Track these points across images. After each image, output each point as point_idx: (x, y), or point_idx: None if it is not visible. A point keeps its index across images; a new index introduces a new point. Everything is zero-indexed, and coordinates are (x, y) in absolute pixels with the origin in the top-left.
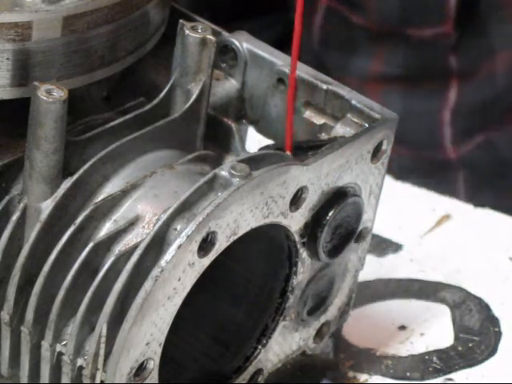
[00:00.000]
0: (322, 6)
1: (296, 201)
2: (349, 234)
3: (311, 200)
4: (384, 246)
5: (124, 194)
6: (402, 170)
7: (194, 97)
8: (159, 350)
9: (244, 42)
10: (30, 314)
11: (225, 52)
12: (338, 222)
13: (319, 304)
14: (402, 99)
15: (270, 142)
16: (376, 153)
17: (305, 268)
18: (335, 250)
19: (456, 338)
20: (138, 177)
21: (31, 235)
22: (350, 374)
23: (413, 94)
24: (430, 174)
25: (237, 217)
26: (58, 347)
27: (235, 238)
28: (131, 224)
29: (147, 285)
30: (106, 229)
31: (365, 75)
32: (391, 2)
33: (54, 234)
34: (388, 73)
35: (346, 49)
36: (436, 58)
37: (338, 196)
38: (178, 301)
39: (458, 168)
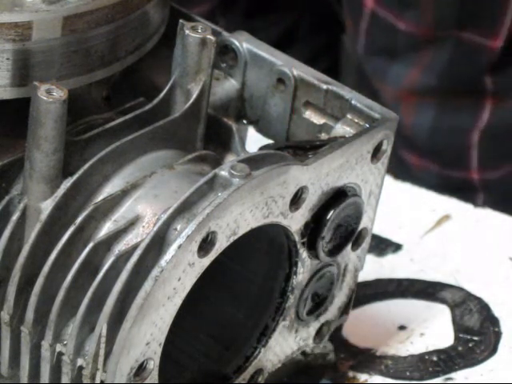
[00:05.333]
0: (367, 12)
1: (296, 201)
2: (349, 233)
3: (311, 200)
4: (384, 246)
5: (124, 193)
6: (427, 185)
7: (194, 97)
8: (159, 350)
9: (244, 42)
10: (30, 314)
11: (225, 52)
12: (338, 222)
13: (319, 304)
14: (434, 113)
15: (269, 141)
16: (376, 153)
17: (305, 268)
18: (335, 250)
19: (456, 338)
20: (138, 177)
21: (31, 235)
22: (350, 373)
23: (445, 109)
24: (451, 192)
25: (237, 217)
26: (58, 347)
27: (235, 237)
28: (131, 224)
29: (147, 285)
30: (106, 229)
31: (400, 84)
32: (450, 2)
33: (54, 233)
34: (423, 83)
35: (387, 56)
36: (475, 72)
37: (338, 196)
38: (177, 301)
39: (478, 190)
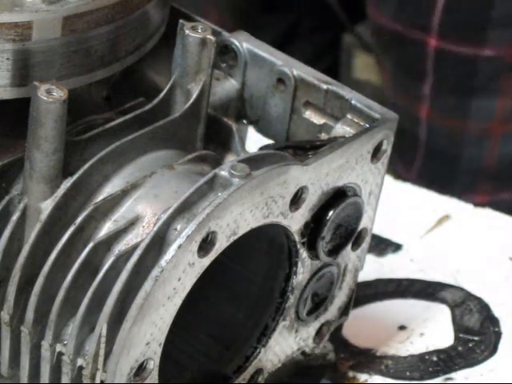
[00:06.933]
0: (431, 50)
1: (296, 201)
2: (349, 233)
3: (311, 200)
4: (384, 246)
5: (124, 193)
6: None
7: (194, 97)
8: (159, 350)
9: (244, 42)
10: (30, 314)
11: (225, 52)
12: (338, 222)
13: (319, 304)
14: None
15: (269, 141)
16: (376, 153)
17: (305, 268)
18: (335, 250)
19: (456, 338)
20: (138, 177)
21: (31, 235)
22: (350, 373)
23: None
24: None
25: (237, 217)
26: (58, 347)
27: (235, 237)
28: (131, 224)
29: (147, 285)
30: (106, 229)
31: (487, 117)
32: None
33: (54, 233)
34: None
35: (464, 91)
36: None
37: (338, 196)
38: (177, 301)
39: None
